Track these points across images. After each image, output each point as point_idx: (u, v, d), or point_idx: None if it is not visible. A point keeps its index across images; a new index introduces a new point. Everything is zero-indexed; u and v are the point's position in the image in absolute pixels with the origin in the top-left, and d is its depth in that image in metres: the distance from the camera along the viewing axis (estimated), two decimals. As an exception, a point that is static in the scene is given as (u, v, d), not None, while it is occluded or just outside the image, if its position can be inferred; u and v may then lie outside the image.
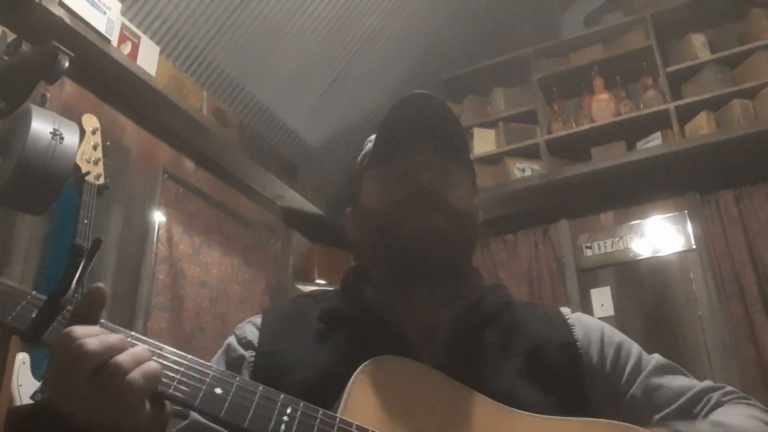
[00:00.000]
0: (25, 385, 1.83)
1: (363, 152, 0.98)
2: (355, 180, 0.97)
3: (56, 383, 0.60)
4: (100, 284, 0.65)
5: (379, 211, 0.88)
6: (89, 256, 0.61)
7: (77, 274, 0.61)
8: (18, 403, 1.78)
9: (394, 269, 0.87)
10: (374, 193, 0.91)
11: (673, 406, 0.85)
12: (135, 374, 0.59)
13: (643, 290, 3.20)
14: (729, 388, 0.88)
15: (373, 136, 0.96)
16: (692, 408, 0.85)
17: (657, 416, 0.85)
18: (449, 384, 0.75)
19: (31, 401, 1.80)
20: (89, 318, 0.63)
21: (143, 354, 0.62)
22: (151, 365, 0.61)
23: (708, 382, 0.89)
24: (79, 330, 0.60)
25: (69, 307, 0.64)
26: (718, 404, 0.85)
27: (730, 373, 2.87)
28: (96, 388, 0.58)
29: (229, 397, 0.63)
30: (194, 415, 0.82)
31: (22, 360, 1.85)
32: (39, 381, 1.86)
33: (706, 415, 0.84)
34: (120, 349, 0.60)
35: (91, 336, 0.59)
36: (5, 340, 1.59)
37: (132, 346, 0.62)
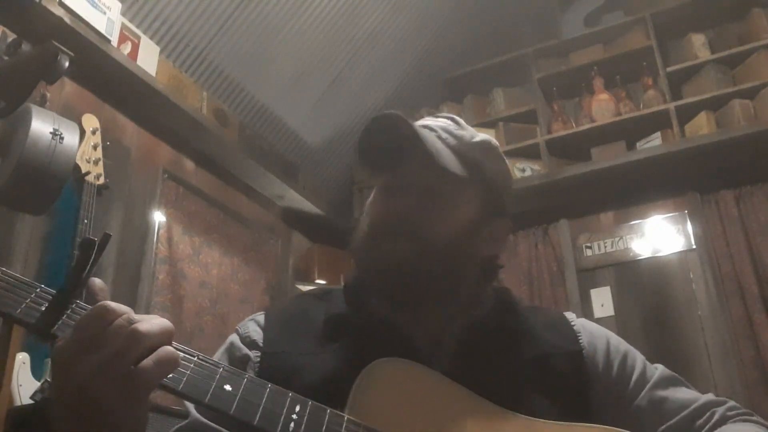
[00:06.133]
0: (25, 385, 1.83)
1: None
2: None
3: (69, 363, 0.57)
4: (96, 279, 0.63)
5: (359, 235, 0.89)
6: (99, 250, 0.61)
7: (87, 268, 0.60)
8: (18, 403, 1.78)
9: (378, 294, 0.88)
10: (364, 210, 0.92)
11: (675, 419, 0.85)
12: (148, 361, 0.58)
13: (643, 290, 3.19)
14: (731, 403, 0.89)
15: None
16: (695, 421, 0.85)
17: (661, 428, 0.85)
18: (454, 387, 0.76)
19: (31, 401, 1.79)
20: None
21: (160, 337, 0.60)
22: (166, 350, 0.59)
23: (710, 396, 0.90)
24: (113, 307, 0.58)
25: (78, 302, 0.63)
26: (723, 420, 0.85)
27: (730, 373, 2.86)
28: (106, 373, 0.56)
29: (239, 394, 0.62)
30: (194, 414, 0.81)
31: (22, 360, 1.85)
32: (39, 381, 1.86)
33: (710, 431, 0.84)
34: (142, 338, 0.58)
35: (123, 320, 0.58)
36: (6, 339, 1.59)
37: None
